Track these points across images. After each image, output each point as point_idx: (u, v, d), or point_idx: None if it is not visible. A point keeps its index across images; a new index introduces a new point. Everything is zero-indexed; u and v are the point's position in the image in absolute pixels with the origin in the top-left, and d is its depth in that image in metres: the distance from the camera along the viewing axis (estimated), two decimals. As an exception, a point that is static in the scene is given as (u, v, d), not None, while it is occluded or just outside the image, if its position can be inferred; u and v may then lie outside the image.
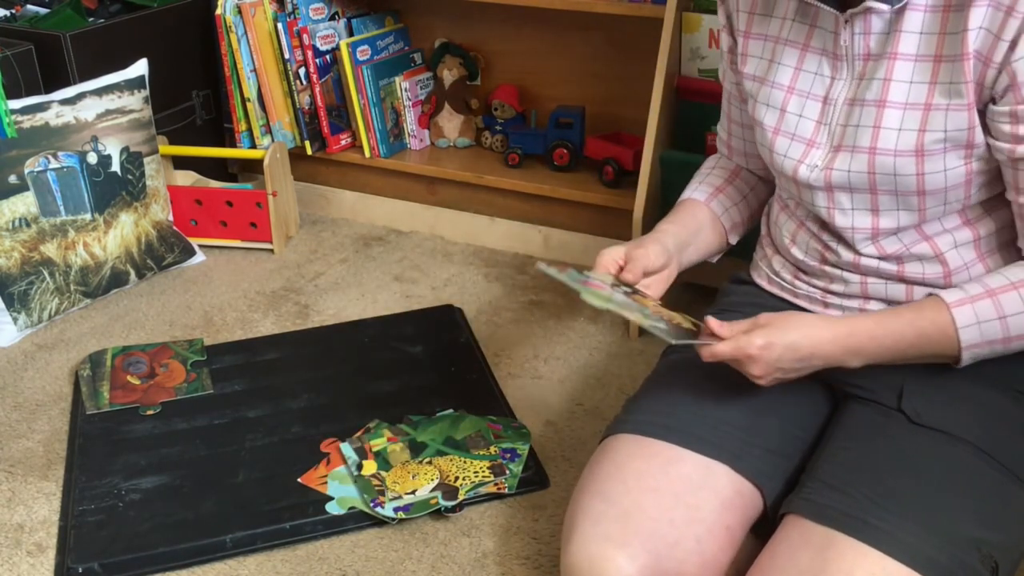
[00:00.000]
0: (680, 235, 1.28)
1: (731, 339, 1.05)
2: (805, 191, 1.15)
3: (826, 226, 1.16)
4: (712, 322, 1.07)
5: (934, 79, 1.01)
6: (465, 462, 1.44)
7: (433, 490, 1.39)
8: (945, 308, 1.03)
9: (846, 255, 1.15)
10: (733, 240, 1.35)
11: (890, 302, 1.13)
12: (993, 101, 0.99)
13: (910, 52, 1.03)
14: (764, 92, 1.16)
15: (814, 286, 1.20)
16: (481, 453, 1.46)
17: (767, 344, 1.03)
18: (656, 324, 1.09)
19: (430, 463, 1.44)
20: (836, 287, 1.17)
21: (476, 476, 1.42)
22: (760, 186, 1.37)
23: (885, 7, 1.01)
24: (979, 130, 1.01)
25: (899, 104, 1.04)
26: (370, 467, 1.43)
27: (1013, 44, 0.94)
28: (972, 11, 0.96)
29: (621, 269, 1.19)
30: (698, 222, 1.31)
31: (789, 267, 1.24)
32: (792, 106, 1.13)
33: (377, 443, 1.48)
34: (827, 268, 1.18)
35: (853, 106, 1.08)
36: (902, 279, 1.12)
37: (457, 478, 1.41)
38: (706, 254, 1.34)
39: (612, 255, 1.21)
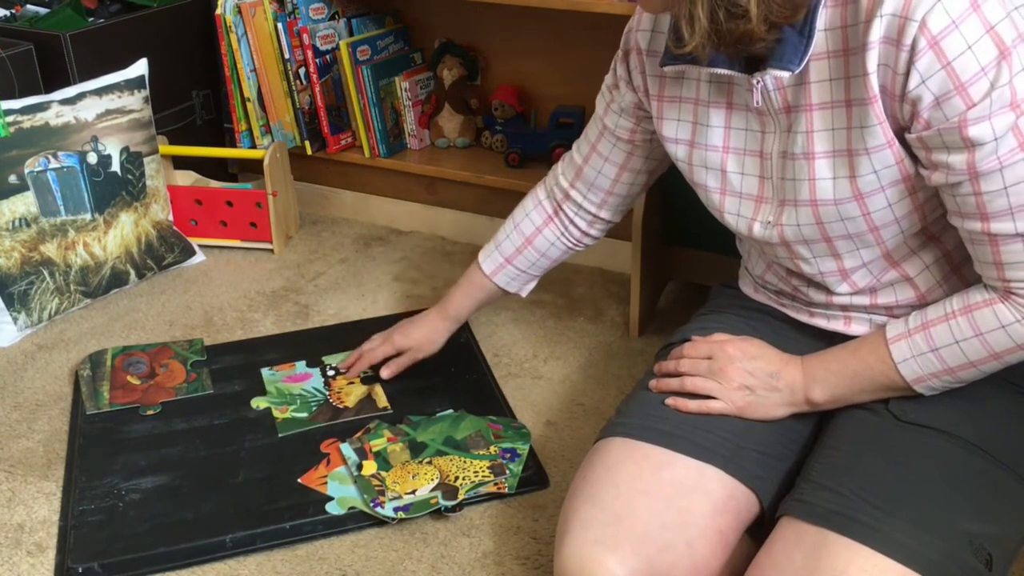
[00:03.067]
0: (466, 306, 1.58)
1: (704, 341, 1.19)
2: (765, 245, 1.16)
3: (793, 272, 1.18)
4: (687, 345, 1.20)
5: (849, 124, 1.01)
6: (465, 462, 1.44)
7: (433, 490, 1.39)
8: (884, 343, 1.06)
9: (817, 296, 1.17)
10: (526, 293, 1.58)
11: (872, 315, 1.16)
12: (909, 131, 0.98)
13: (823, 101, 1.02)
14: (698, 155, 1.15)
15: (798, 303, 1.23)
16: (481, 453, 1.46)
17: (732, 339, 1.17)
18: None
19: (430, 463, 1.44)
20: (818, 309, 1.20)
21: (476, 476, 1.42)
22: (571, 229, 1.45)
23: (787, 73, 0.99)
24: (909, 161, 1.00)
25: (826, 153, 1.03)
26: (370, 467, 1.43)
27: (906, 76, 0.94)
28: (868, 54, 0.95)
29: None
30: (486, 292, 1.56)
31: (771, 285, 1.26)
32: (731, 165, 1.13)
33: (377, 443, 1.48)
34: (800, 304, 1.22)
35: (785, 159, 1.07)
36: (876, 306, 1.14)
37: (457, 478, 1.41)
38: (499, 300, 1.60)
39: (383, 351, 1.63)
